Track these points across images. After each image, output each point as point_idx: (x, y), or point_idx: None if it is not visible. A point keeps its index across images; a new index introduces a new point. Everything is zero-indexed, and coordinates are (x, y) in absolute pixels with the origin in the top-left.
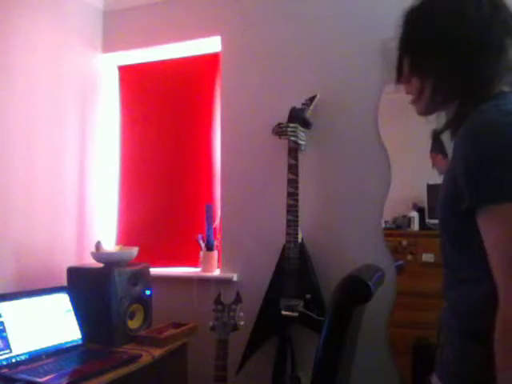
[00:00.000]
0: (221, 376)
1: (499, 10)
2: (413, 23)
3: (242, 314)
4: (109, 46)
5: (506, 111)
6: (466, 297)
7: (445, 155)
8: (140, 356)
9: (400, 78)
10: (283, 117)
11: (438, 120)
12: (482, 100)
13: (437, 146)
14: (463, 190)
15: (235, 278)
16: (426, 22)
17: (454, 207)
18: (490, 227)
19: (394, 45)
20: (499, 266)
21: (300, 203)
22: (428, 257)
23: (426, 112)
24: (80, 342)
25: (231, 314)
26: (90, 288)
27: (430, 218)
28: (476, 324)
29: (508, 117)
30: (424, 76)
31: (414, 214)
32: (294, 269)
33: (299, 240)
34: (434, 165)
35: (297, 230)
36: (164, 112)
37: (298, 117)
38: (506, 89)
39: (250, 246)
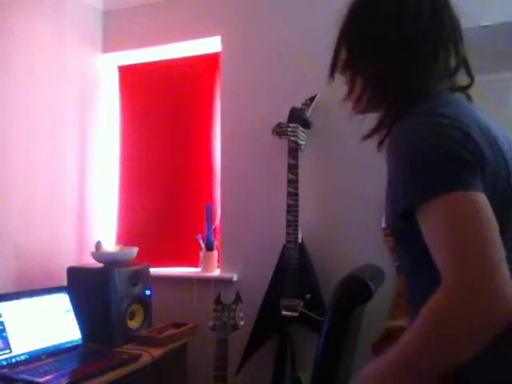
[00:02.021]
0: (221, 376)
1: (440, 19)
2: (352, 17)
3: (242, 314)
4: (109, 45)
5: (437, 113)
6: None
7: None
8: (140, 356)
9: (334, 69)
10: (283, 117)
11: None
12: (413, 103)
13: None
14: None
15: (235, 277)
16: (364, 20)
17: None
18: (428, 221)
19: None
20: (444, 249)
21: (300, 203)
22: None
23: (355, 111)
24: (80, 342)
25: (231, 313)
26: (90, 288)
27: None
28: None
29: (431, 121)
30: (356, 74)
31: None
32: (294, 269)
33: (299, 240)
34: None
35: (297, 230)
36: (164, 112)
37: (298, 117)
38: (440, 89)
39: (250, 246)
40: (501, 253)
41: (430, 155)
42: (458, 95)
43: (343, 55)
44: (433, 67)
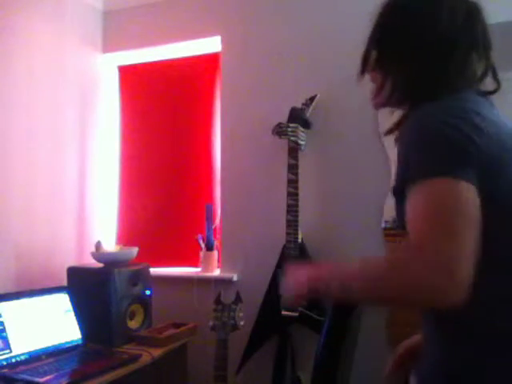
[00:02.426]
0: (221, 376)
1: (472, 22)
2: (387, 17)
3: (241, 314)
4: (109, 46)
5: (445, 106)
6: None
7: None
8: (140, 356)
9: (365, 68)
10: (283, 117)
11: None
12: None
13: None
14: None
15: (235, 277)
16: (399, 20)
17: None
18: (412, 197)
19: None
20: (419, 218)
21: (300, 203)
22: None
23: (380, 107)
24: (80, 342)
25: (231, 313)
26: (90, 288)
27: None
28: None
29: (446, 110)
30: (388, 72)
31: None
32: None
33: (299, 240)
34: None
35: (297, 230)
36: (164, 112)
37: (298, 117)
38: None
39: (250, 246)
40: (467, 250)
41: (434, 139)
42: (482, 98)
43: (374, 54)
44: (464, 69)
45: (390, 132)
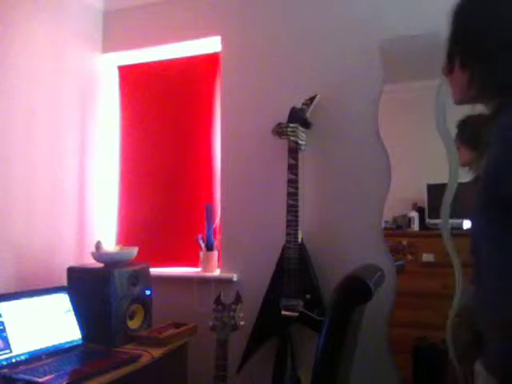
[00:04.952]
0: (221, 376)
1: None
2: (463, 19)
3: (241, 314)
4: (109, 46)
5: None
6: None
7: (470, 147)
8: (140, 356)
9: (451, 70)
10: (283, 117)
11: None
12: None
13: (463, 137)
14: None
15: (235, 278)
16: (477, 21)
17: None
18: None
19: (392, 46)
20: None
21: (300, 203)
22: (428, 257)
23: (465, 103)
24: (80, 342)
25: (231, 313)
26: (90, 288)
27: (430, 218)
28: None
29: None
30: (473, 73)
31: (414, 214)
32: (294, 269)
33: (299, 240)
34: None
35: (297, 230)
36: (164, 112)
37: (297, 117)
38: None
39: (250, 245)
40: None
41: None
42: None
43: (459, 57)
44: None
45: (486, 124)
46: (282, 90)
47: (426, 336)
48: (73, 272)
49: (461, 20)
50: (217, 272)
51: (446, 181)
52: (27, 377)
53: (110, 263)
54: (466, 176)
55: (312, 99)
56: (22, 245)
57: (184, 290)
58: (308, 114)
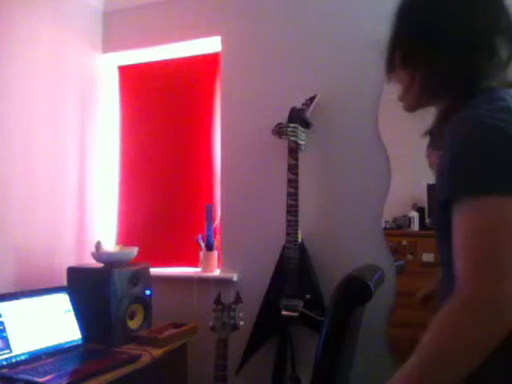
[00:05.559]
0: (221, 376)
1: (496, 8)
2: (405, 16)
3: (241, 314)
4: (109, 46)
5: (496, 107)
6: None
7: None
8: (140, 356)
9: (390, 70)
10: (283, 117)
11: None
12: (471, 96)
13: (433, 142)
14: (445, 182)
15: (235, 278)
16: (419, 16)
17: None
18: (462, 219)
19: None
20: (464, 254)
21: (300, 203)
22: (428, 257)
23: (413, 108)
24: (80, 342)
25: (231, 313)
26: (89, 288)
27: (430, 218)
28: None
29: (497, 113)
30: (414, 70)
31: (414, 214)
32: (294, 269)
33: (299, 240)
34: (429, 162)
35: (297, 230)
36: (164, 112)
37: (297, 117)
38: (495, 84)
39: (250, 246)
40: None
41: (481, 152)
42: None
43: (399, 53)
44: (491, 56)
45: (435, 127)
46: (282, 90)
47: None
48: (73, 272)
49: (404, 16)
50: (217, 272)
51: None
52: (27, 377)
53: (110, 263)
54: None
55: (312, 99)
56: (22, 245)
57: (184, 290)
58: (308, 114)
